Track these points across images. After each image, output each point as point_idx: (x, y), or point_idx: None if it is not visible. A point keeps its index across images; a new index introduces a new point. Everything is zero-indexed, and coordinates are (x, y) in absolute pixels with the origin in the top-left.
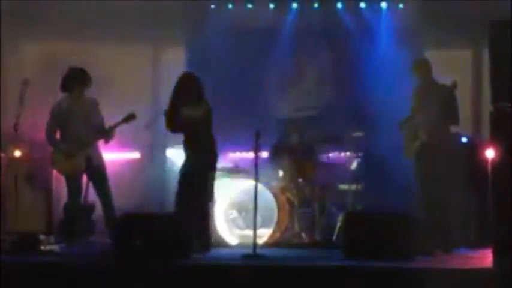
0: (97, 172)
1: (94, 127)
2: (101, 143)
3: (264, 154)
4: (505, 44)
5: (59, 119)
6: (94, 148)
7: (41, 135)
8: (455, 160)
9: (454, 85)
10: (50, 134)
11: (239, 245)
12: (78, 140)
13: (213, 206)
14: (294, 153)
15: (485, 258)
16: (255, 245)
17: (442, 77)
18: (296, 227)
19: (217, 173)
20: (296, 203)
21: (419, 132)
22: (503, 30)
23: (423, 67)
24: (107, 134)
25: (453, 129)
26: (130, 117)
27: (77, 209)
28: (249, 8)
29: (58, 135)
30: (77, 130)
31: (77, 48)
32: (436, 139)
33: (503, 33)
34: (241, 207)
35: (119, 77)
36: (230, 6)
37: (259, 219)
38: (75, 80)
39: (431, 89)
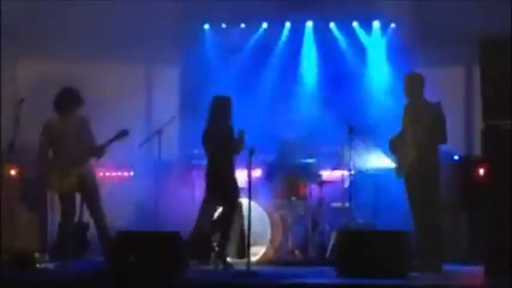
0: (90, 191)
1: (86, 146)
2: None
3: (258, 172)
4: (495, 62)
5: (50, 138)
6: (87, 167)
7: (35, 154)
8: (443, 178)
9: (440, 104)
10: (42, 153)
11: (233, 263)
12: (70, 159)
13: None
14: (288, 171)
15: (477, 275)
16: (248, 262)
17: (434, 95)
18: (290, 244)
19: None
20: (289, 220)
21: (409, 151)
22: (493, 49)
23: (416, 83)
24: (98, 152)
25: (445, 146)
26: (122, 134)
27: (71, 228)
28: (242, 27)
29: (51, 154)
30: (69, 149)
31: (72, 68)
32: (425, 157)
33: (493, 51)
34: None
35: (113, 96)
36: (224, 25)
37: (253, 236)
38: (68, 100)
39: (421, 107)
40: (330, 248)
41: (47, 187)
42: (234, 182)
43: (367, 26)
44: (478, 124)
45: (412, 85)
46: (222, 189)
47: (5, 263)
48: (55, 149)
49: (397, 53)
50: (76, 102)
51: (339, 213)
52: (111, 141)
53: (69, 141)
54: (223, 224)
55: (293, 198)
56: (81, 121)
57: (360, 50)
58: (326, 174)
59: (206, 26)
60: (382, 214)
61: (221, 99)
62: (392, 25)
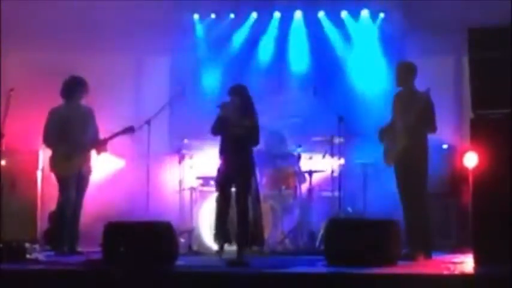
0: (83, 182)
1: (90, 135)
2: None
3: None
4: (484, 52)
5: (57, 124)
6: (87, 157)
7: (25, 144)
8: (432, 167)
9: (429, 92)
10: (48, 137)
11: (223, 252)
12: (74, 145)
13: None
14: (277, 160)
15: (466, 263)
16: (239, 252)
17: (423, 84)
18: (279, 234)
19: (201, 181)
20: (279, 210)
21: (399, 140)
22: (482, 38)
23: (407, 72)
24: (101, 145)
25: (434, 136)
26: (128, 130)
27: (64, 217)
28: (232, 18)
29: (55, 139)
30: (75, 136)
31: (62, 57)
32: (414, 146)
33: (482, 40)
34: None
35: (103, 86)
36: (213, 15)
37: None
38: (77, 87)
39: (411, 96)
40: (319, 237)
41: (53, 170)
42: (248, 162)
43: (356, 15)
44: (468, 113)
45: (404, 74)
46: (233, 168)
47: None
48: (61, 135)
49: (386, 42)
50: (84, 90)
51: (328, 203)
52: (116, 135)
53: (75, 128)
54: (238, 206)
55: (283, 188)
56: (88, 110)
57: (349, 40)
58: (316, 163)
59: (196, 16)
60: (372, 203)
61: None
62: (382, 14)
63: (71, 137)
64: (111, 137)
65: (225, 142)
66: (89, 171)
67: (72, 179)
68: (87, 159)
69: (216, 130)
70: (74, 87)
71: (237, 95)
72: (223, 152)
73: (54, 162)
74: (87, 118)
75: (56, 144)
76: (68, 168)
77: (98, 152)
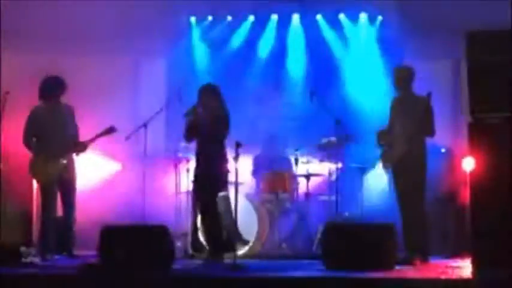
0: (68, 183)
1: (70, 135)
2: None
3: (245, 164)
4: (482, 55)
5: (35, 125)
6: (69, 158)
7: (21, 148)
8: (430, 171)
9: (429, 96)
10: (27, 139)
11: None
12: (54, 147)
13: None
14: (275, 164)
15: (464, 268)
16: (235, 256)
17: (421, 87)
18: (276, 238)
19: None
20: (276, 214)
21: (397, 143)
22: (480, 41)
23: (405, 75)
24: (81, 146)
25: (432, 139)
26: (109, 130)
27: (53, 220)
28: (229, 20)
29: (35, 142)
30: (54, 137)
31: (58, 60)
32: (412, 150)
33: (480, 44)
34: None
35: (100, 88)
36: (210, 18)
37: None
38: (51, 87)
39: (410, 100)
40: (316, 241)
41: (31, 174)
42: (216, 170)
43: (354, 18)
44: (466, 117)
45: (402, 77)
46: (204, 177)
47: None
48: (40, 137)
49: (384, 45)
50: (60, 89)
51: (325, 207)
52: (98, 136)
53: (54, 129)
54: (203, 214)
55: (280, 192)
56: (68, 110)
57: (347, 43)
58: (313, 167)
59: (192, 19)
60: (369, 207)
61: (205, 86)
62: (380, 17)
63: (50, 140)
64: (92, 140)
65: (199, 146)
66: (73, 176)
67: (53, 184)
68: (69, 163)
69: (188, 137)
70: (50, 87)
71: (201, 96)
72: (197, 155)
73: (34, 168)
74: (66, 117)
75: (34, 146)
76: (48, 174)
77: (77, 153)
